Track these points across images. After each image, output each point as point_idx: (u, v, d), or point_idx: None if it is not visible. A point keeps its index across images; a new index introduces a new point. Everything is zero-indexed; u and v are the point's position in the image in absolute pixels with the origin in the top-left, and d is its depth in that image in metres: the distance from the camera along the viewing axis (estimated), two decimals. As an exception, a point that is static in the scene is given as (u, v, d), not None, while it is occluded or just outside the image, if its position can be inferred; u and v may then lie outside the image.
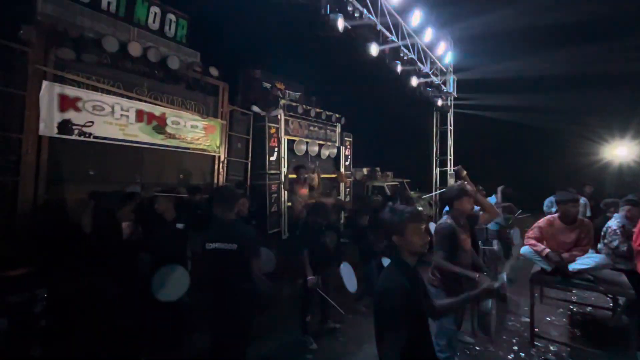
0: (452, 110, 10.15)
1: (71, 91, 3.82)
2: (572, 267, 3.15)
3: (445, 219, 2.77)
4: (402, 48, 6.49)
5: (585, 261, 3.13)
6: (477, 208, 3.13)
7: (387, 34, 5.96)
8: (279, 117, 6.64)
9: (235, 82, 6.41)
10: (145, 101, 4.55)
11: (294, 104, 7.11)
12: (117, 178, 4.22)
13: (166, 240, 3.06)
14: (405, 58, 6.64)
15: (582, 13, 10.05)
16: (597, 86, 11.92)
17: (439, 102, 9.16)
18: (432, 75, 8.20)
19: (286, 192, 6.19)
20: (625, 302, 3.34)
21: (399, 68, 6.44)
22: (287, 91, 7.76)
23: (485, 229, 5.01)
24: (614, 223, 3.70)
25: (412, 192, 9.17)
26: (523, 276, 4.37)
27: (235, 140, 6.02)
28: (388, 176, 10.82)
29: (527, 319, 3.54)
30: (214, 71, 5.38)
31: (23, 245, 3.27)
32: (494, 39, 9.56)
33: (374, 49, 5.50)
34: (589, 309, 4.27)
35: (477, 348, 3.38)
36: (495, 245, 5.07)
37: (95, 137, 4.01)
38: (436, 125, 10.34)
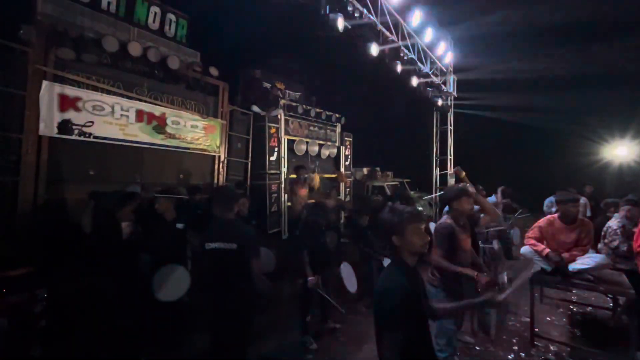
0: (452, 110, 10.15)
1: (71, 91, 3.82)
2: (572, 267, 3.15)
3: (444, 218, 2.77)
4: (402, 48, 6.49)
5: (585, 261, 3.13)
6: (476, 207, 3.13)
7: (387, 33, 5.96)
8: (279, 117, 6.64)
9: (235, 82, 6.41)
10: (145, 101, 4.55)
11: (294, 103, 7.11)
12: (117, 178, 4.23)
13: (166, 240, 3.06)
14: (405, 58, 6.64)
15: (582, 13, 10.05)
16: (597, 86, 11.91)
17: (439, 102, 9.16)
18: (432, 75, 8.20)
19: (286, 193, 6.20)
20: (625, 302, 3.34)
21: (399, 68, 6.44)
22: (287, 91, 7.76)
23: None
24: (614, 223, 3.71)
25: (412, 192, 9.17)
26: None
27: (235, 140, 6.02)
28: (388, 176, 10.82)
29: (527, 319, 3.53)
30: (214, 71, 5.38)
31: (23, 245, 3.27)
32: (493, 39, 9.56)
33: (374, 49, 5.50)
34: (589, 309, 4.27)
35: (477, 348, 3.38)
36: (495, 245, 5.07)
37: (95, 137, 4.02)
38: (436, 125, 10.33)
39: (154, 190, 3.38)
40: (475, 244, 3.02)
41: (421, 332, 1.58)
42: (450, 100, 9.98)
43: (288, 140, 6.89)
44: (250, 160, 6.29)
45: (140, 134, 4.48)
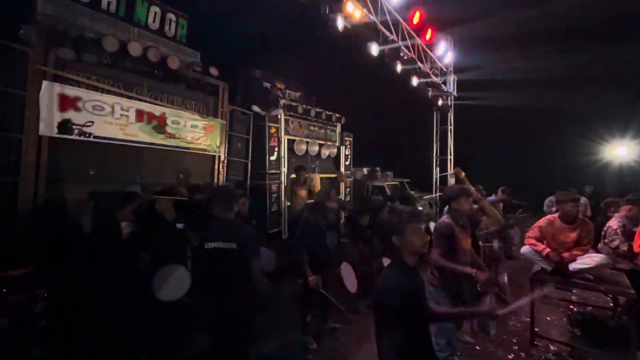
0: (452, 110, 10.14)
1: (71, 91, 3.81)
2: (573, 266, 3.15)
3: (444, 218, 2.77)
4: (402, 48, 6.49)
5: (585, 261, 3.13)
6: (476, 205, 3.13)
7: (387, 33, 5.96)
8: (279, 116, 6.64)
9: (235, 82, 6.40)
10: (145, 101, 4.55)
11: (294, 103, 7.11)
12: (117, 178, 4.22)
13: (166, 240, 3.05)
14: (406, 58, 6.64)
15: (583, 13, 10.05)
16: (597, 86, 11.92)
17: (439, 102, 9.15)
18: (432, 75, 8.20)
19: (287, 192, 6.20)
20: (625, 302, 3.34)
21: (399, 67, 6.44)
22: (287, 91, 7.76)
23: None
24: (614, 223, 3.71)
25: (412, 192, 9.17)
26: (523, 276, 4.37)
27: (235, 140, 6.01)
28: (388, 176, 10.83)
29: (527, 319, 3.54)
30: (214, 71, 5.37)
31: (23, 245, 3.26)
32: (493, 39, 9.56)
33: (374, 49, 5.50)
34: (589, 308, 4.27)
35: (477, 348, 3.38)
36: (495, 245, 5.07)
37: (95, 137, 4.01)
38: (436, 125, 10.33)
39: (154, 190, 3.37)
40: (475, 244, 3.02)
41: (421, 332, 1.58)
42: (451, 100, 9.97)
43: (288, 140, 6.88)
44: (250, 160, 6.28)
45: (140, 134, 4.48)
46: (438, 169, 10.37)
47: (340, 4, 4.68)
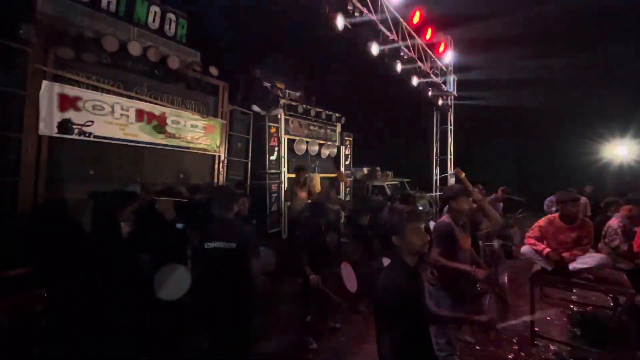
0: (452, 110, 10.14)
1: (71, 91, 3.81)
2: (573, 266, 3.15)
3: (444, 217, 2.77)
4: (402, 47, 6.49)
5: (585, 260, 3.13)
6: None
7: (387, 33, 5.96)
8: (279, 116, 6.64)
9: (235, 82, 6.40)
10: (145, 101, 4.54)
11: (294, 103, 7.11)
12: (117, 178, 4.22)
13: (166, 240, 3.05)
14: (406, 57, 6.64)
15: (583, 12, 10.04)
16: (597, 86, 11.92)
17: (439, 102, 9.15)
18: (432, 75, 8.19)
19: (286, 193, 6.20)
20: (625, 302, 3.34)
21: (399, 67, 6.44)
22: (287, 90, 7.75)
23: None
24: (614, 222, 3.71)
25: (412, 192, 9.17)
26: (523, 276, 4.37)
27: (236, 139, 6.01)
28: (388, 176, 10.82)
29: (527, 319, 3.53)
30: (213, 70, 5.37)
31: (23, 245, 3.26)
32: (493, 38, 9.55)
33: (374, 48, 5.50)
34: (589, 308, 4.27)
35: (477, 348, 3.38)
36: (496, 244, 5.07)
37: (95, 137, 4.01)
38: (436, 125, 10.32)
39: (154, 189, 3.37)
40: (475, 244, 3.02)
41: (421, 331, 1.58)
42: (451, 99, 9.97)
43: (288, 139, 6.88)
44: (250, 159, 6.28)
45: (140, 134, 4.48)
46: (438, 168, 10.37)
47: (340, 2, 4.68)
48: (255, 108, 6.30)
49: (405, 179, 11.04)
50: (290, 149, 6.94)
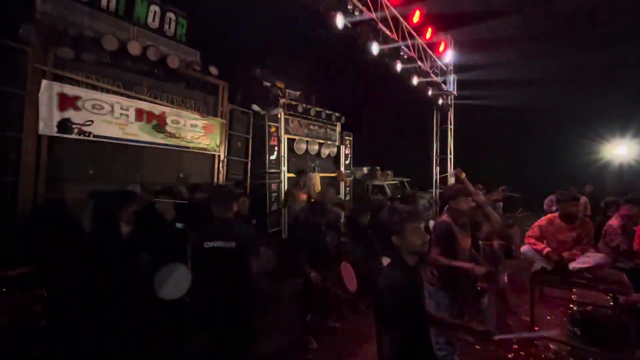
0: (452, 109, 10.13)
1: (71, 90, 3.81)
2: (573, 266, 3.15)
3: (443, 217, 2.77)
4: (402, 47, 6.48)
5: (585, 260, 3.13)
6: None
7: (387, 32, 5.95)
8: (279, 116, 6.64)
9: (235, 81, 6.40)
10: (145, 100, 4.55)
11: (294, 102, 7.11)
12: (117, 178, 4.22)
13: (166, 240, 3.05)
14: (406, 57, 6.63)
15: (582, 12, 10.03)
16: (597, 86, 11.91)
17: (439, 101, 9.14)
18: (432, 74, 8.19)
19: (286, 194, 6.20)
20: (625, 302, 3.34)
21: (399, 66, 6.44)
22: (287, 90, 7.74)
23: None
24: (614, 222, 3.70)
25: (412, 191, 9.17)
26: (523, 276, 4.37)
27: (235, 139, 6.01)
28: (388, 175, 10.82)
29: (527, 319, 3.53)
30: (213, 70, 5.37)
31: (23, 245, 3.26)
32: (493, 38, 9.54)
33: (374, 48, 5.49)
34: (589, 308, 4.27)
35: (477, 347, 3.37)
36: (496, 244, 5.06)
37: (95, 136, 4.01)
38: (436, 124, 10.32)
39: (154, 189, 3.37)
40: (475, 244, 3.02)
41: (421, 331, 1.58)
42: (451, 99, 9.96)
43: (288, 139, 6.88)
44: (250, 159, 6.28)
45: (140, 133, 4.48)
46: (438, 168, 10.36)
47: (340, 3, 4.68)
48: (255, 107, 6.30)
49: (405, 178, 11.04)
50: (290, 148, 6.94)
